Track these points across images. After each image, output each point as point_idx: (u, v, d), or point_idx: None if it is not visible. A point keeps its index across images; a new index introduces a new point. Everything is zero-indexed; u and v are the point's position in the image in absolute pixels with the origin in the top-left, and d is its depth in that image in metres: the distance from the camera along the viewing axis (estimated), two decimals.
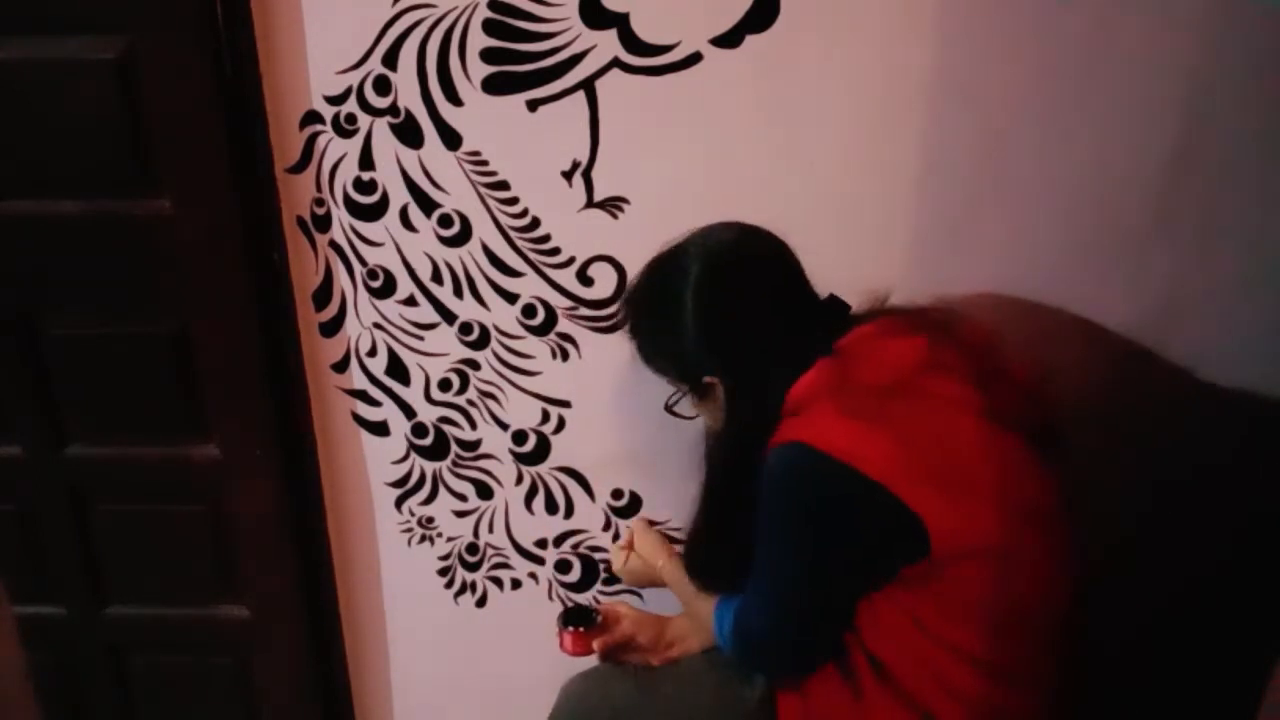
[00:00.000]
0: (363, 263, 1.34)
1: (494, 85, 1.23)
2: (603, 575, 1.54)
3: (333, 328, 1.39)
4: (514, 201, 1.29)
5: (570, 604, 1.54)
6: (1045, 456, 1.02)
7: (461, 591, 1.56)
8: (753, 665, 1.15)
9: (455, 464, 1.47)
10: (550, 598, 1.55)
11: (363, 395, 1.43)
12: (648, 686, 1.24)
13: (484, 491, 1.49)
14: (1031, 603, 1.00)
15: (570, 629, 1.28)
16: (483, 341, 1.38)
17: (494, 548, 1.52)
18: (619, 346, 1.35)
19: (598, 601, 1.53)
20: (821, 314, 1.10)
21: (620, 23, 1.18)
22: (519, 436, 1.44)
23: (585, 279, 1.33)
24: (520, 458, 1.46)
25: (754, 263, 1.09)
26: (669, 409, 1.18)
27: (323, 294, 1.37)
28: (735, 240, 1.11)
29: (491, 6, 1.18)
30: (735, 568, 1.09)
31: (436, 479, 1.48)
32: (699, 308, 1.05)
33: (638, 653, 1.28)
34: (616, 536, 1.50)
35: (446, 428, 1.44)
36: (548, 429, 1.43)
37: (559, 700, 1.31)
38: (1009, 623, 0.99)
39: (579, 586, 1.55)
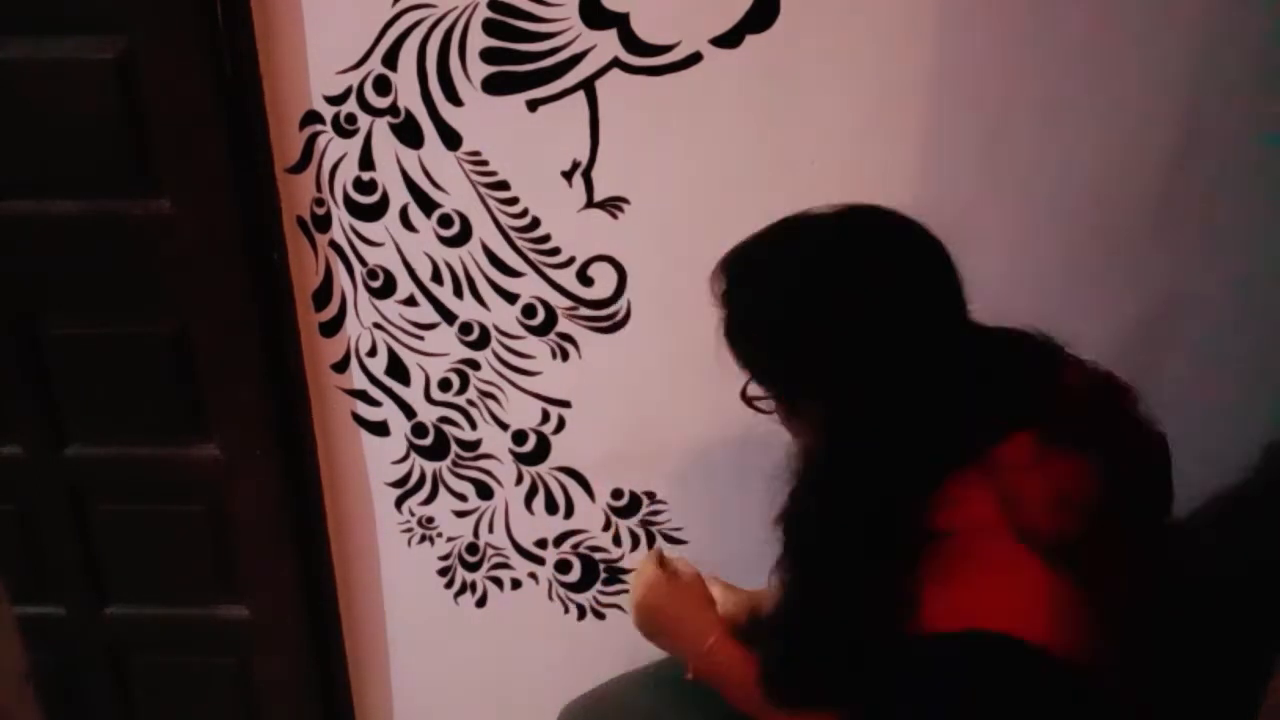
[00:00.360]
0: (363, 263, 1.34)
1: (494, 85, 1.23)
2: (602, 575, 1.54)
3: (333, 328, 1.39)
4: (514, 201, 1.29)
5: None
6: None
7: (461, 591, 1.56)
8: None
9: (455, 464, 1.47)
10: (550, 598, 1.55)
11: (363, 395, 1.43)
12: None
13: (484, 491, 1.49)
14: None
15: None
16: (483, 341, 1.38)
17: (494, 548, 1.52)
18: (619, 346, 1.35)
19: (597, 601, 1.53)
20: (988, 358, 0.86)
21: (620, 23, 1.18)
22: (519, 436, 1.44)
23: (585, 279, 1.33)
24: (520, 458, 1.46)
25: (909, 262, 0.86)
26: (746, 399, 0.93)
27: (323, 294, 1.37)
28: (893, 228, 0.88)
29: (491, 6, 1.18)
30: (825, 687, 0.86)
31: (436, 479, 1.48)
32: (825, 296, 0.84)
33: (696, 633, 1.04)
34: (617, 536, 1.50)
35: (446, 428, 1.44)
36: (548, 429, 1.43)
37: None
38: None
39: (579, 586, 1.55)
